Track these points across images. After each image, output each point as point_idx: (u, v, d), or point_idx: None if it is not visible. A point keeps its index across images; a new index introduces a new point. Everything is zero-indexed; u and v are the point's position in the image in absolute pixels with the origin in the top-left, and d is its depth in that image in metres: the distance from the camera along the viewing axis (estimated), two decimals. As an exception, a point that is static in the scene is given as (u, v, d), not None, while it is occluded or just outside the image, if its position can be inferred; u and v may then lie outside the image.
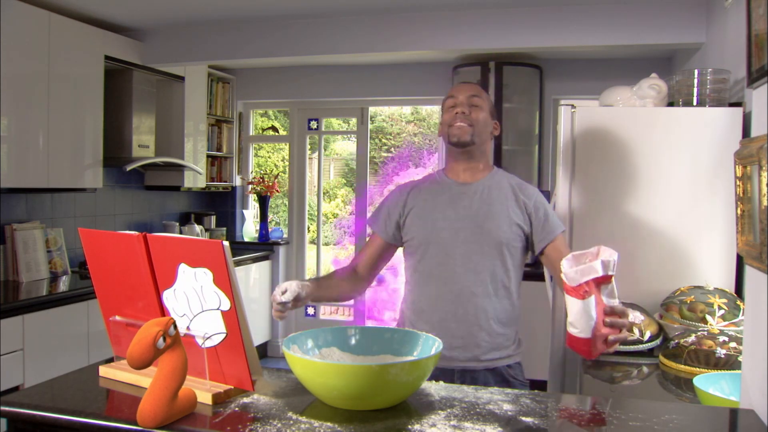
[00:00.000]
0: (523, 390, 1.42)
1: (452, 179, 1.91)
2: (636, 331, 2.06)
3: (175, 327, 1.07)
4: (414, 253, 1.88)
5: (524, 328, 1.89)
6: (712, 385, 1.45)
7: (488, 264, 1.80)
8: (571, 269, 1.40)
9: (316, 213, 5.83)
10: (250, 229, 5.45)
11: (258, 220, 5.39)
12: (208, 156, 5.03)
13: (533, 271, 3.54)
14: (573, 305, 1.42)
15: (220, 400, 1.16)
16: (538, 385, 2.01)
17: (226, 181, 5.34)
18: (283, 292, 1.56)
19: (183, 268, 1.18)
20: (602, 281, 1.38)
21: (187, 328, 1.21)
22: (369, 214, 5.74)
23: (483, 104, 1.89)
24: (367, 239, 1.98)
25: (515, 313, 1.86)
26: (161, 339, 1.04)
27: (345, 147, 12.11)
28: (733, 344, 1.82)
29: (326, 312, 5.88)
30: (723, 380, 1.48)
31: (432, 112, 10.73)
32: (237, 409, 1.13)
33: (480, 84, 4.54)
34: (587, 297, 1.38)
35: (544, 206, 1.88)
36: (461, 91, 1.89)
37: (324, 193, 9.64)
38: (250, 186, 5.30)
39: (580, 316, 1.41)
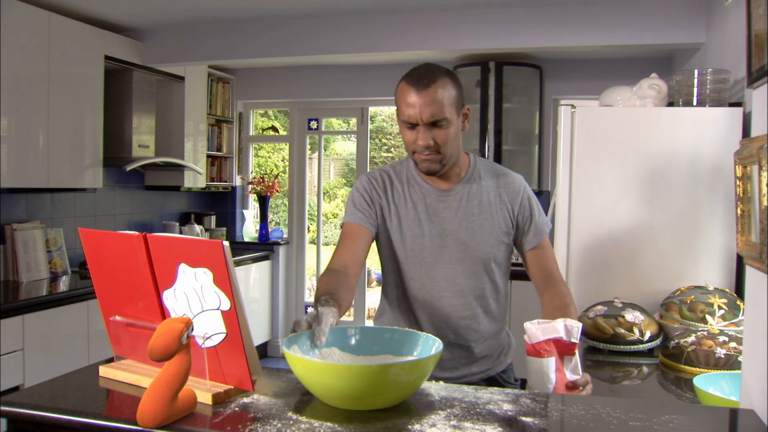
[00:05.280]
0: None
1: (428, 183, 1.71)
2: (636, 331, 2.06)
3: (192, 330, 1.08)
4: (394, 269, 1.72)
5: (518, 327, 1.87)
6: (712, 385, 1.45)
7: (474, 283, 1.70)
8: (532, 325, 1.39)
9: (316, 213, 5.83)
10: (250, 229, 5.45)
11: (258, 220, 5.39)
12: (208, 156, 5.03)
13: (525, 271, 3.51)
14: (532, 365, 1.40)
15: (220, 400, 1.16)
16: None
17: (226, 181, 5.34)
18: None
19: (183, 268, 1.18)
20: (565, 351, 1.37)
21: (187, 328, 1.22)
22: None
23: (446, 114, 1.55)
24: (342, 232, 1.69)
25: (503, 316, 1.80)
26: (185, 335, 1.05)
27: (345, 147, 12.11)
28: (733, 344, 1.82)
29: (326, 312, 5.88)
30: (723, 380, 1.48)
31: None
32: (237, 409, 1.13)
33: (480, 84, 4.53)
34: (546, 356, 1.37)
35: (529, 205, 1.72)
36: (417, 108, 1.54)
37: (324, 193, 9.65)
38: (250, 186, 5.30)
39: (538, 378, 1.39)
